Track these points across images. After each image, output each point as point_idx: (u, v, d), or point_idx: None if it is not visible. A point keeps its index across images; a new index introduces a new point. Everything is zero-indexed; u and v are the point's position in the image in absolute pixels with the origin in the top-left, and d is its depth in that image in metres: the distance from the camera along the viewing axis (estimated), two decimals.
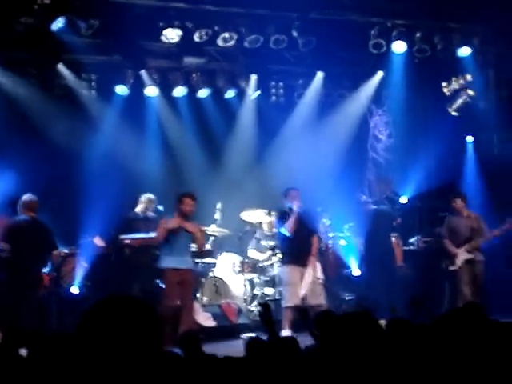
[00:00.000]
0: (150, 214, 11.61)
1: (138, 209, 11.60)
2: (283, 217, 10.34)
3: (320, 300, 10.15)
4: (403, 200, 12.34)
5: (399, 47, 12.28)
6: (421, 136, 13.96)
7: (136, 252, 11.19)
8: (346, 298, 11.75)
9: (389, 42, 12.15)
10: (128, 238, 11.22)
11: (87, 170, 11.65)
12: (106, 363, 2.03)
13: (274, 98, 13.42)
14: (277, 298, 11.25)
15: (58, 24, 10.53)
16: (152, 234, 11.15)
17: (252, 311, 11.47)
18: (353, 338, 3.07)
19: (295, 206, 10.18)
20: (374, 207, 11.48)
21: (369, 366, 2.95)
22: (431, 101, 13.83)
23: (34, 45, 11.20)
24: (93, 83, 12.23)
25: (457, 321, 3.15)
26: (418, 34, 12.27)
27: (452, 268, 10.92)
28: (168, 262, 9.66)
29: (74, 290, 10.60)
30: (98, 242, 11.01)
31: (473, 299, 10.13)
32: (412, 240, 12.56)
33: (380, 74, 13.49)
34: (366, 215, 11.42)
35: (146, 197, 11.66)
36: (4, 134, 11.07)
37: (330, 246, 12.45)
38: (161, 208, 11.43)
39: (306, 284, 10.11)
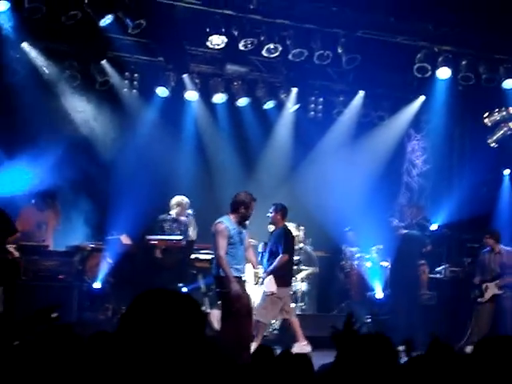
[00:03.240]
0: (182, 217, 11.51)
1: (173, 211, 11.52)
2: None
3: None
4: (433, 227, 12.21)
5: (444, 73, 12.17)
6: (457, 165, 13.87)
7: (162, 253, 11.18)
8: (366, 321, 11.62)
9: (434, 67, 12.04)
10: (155, 238, 11.22)
11: (121, 168, 11.72)
12: (150, 356, 1.98)
13: (312, 113, 13.36)
14: (298, 313, 11.18)
15: (106, 21, 10.60)
16: (177, 237, 11.17)
17: (271, 324, 11.40)
18: (370, 359, 3.02)
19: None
20: (405, 231, 11.38)
21: None
22: (471, 130, 13.72)
23: (81, 39, 11.30)
24: (135, 82, 12.28)
25: (487, 353, 3.09)
26: (463, 62, 12.15)
27: (480, 300, 10.83)
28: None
29: (97, 285, 10.62)
30: (125, 239, 11.03)
31: (490, 333, 10.14)
32: (439, 268, 12.41)
33: (422, 99, 13.40)
34: (396, 239, 11.34)
35: (179, 199, 11.56)
36: (43, 125, 11.13)
37: (355, 266, 12.35)
38: (190, 212, 11.41)
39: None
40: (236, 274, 8.84)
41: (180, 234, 11.29)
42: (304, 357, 4.58)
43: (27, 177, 10.97)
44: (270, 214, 10.15)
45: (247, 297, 9.07)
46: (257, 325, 9.86)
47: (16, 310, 9.01)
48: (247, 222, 9.12)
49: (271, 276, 9.94)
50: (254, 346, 9.14)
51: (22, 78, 11.06)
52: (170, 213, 11.49)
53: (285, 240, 10.19)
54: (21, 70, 11.14)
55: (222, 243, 8.72)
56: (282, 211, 10.16)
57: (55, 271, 10.18)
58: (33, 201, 10.83)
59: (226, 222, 8.81)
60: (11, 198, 10.54)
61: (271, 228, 10.64)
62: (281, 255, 10.03)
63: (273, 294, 9.91)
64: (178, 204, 11.49)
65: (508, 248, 11.02)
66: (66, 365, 3.99)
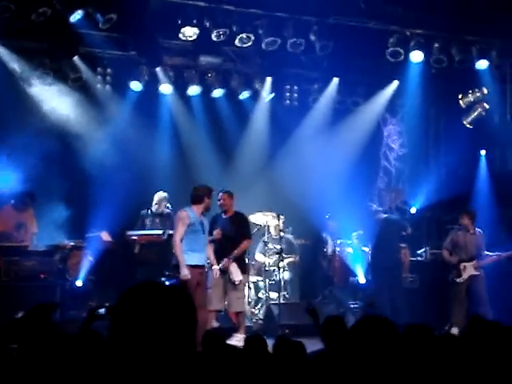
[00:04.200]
0: (166, 210, 11.57)
1: (154, 207, 11.55)
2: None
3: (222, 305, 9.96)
4: (412, 210, 12.27)
5: (417, 57, 12.21)
6: (434, 147, 13.96)
7: (142, 248, 11.15)
8: (351, 306, 11.68)
9: (406, 51, 12.08)
10: (135, 234, 11.19)
11: (98, 164, 11.62)
12: (144, 351, 1.96)
13: (288, 101, 13.37)
14: (281, 301, 11.21)
15: (76, 16, 10.50)
16: (158, 231, 11.14)
17: (256, 314, 11.43)
18: (366, 344, 3.01)
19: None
20: (385, 216, 11.42)
21: (382, 372, 2.90)
22: (446, 112, 13.81)
23: (51, 36, 11.18)
24: (107, 77, 12.19)
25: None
26: (436, 45, 12.20)
27: (459, 280, 10.87)
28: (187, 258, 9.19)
29: (78, 283, 10.57)
30: (105, 236, 10.99)
31: (465, 314, 10.27)
32: (420, 251, 12.49)
33: (396, 83, 13.43)
34: (375, 224, 11.37)
35: (159, 195, 11.60)
36: (14, 125, 11.03)
37: (336, 253, 12.40)
38: (169, 205, 11.40)
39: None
40: (197, 263, 9.16)
41: (162, 229, 11.27)
42: (298, 344, 4.60)
43: (3, 177, 10.88)
44: (222, 201, 9.99)
45: (202, 286, 9.22)
46: (238, 316, 9.90)
47: None
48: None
49: (235, 263, 9.90)
50: (239, 337, 9.18)
51: None
52: (152, 208, 11.51)
53: (248, 225, 10.35)
54: None
55: (181, 230, 9.12)
56: (233, 196, 10.12)
57: (36, 271, 10.12)
58: (12, 201, 10.75)
59: (189, 211, 9.21)
60: None
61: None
62: (246, 240, 10.09)
63: (240, 281, 9.91)
64: (157, 199, 11.52)
65: (478, 229, 11.03)
66: (56, 364, 3.97)
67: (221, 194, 10.04)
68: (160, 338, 1.95)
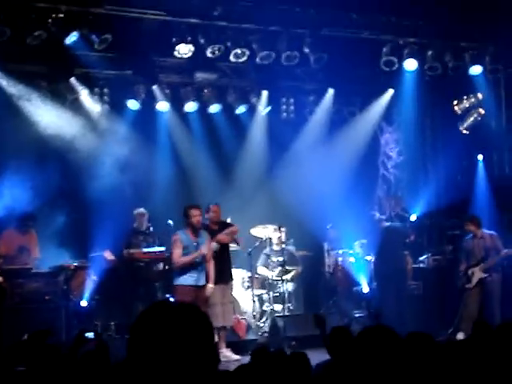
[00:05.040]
0: (150, 228, 11.60)
1: (135, 224, 11.58)
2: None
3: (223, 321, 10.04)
4: (413, 218, 12.32)
5: (411, 65, 12.30)
6: (431, 154, 14.00)
7: (146, 266, 11.18)
8: (356, 316, 11.70)
9: (400, 60, 12.17)
10: (137, 252, 11.21)
11: (98, 184, 11.66)
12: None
13: (284, 114, 13.40)
14: (286, 314, 11.24)
15: (72, 38, 10.59)
16: (160, 248, 11.18)
17: (261, 327, 11.44)
18: (371, 354, 3.05)
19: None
20: (387, 224, 11.48)
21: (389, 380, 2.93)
22: (442, 119, 13.86)
23: (47, 58, 11.25)
24: (105, 97, 12.23)
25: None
26: (429, 52, 12.29)
27: (467, 286, 10.95)
28: (183, 279, 9.55)
29: (83, 303, 10.59)
30: (108, 255, 11.01)
31: (479, 317, 10.25)
32: (422, 258, 12.52)
33: (391, 92, 13.51)
34: (379, 232, 11.43)
35: (138, 211, 11.63)
36: (14, 146, 11.08)
37: (339, 263, 12.42)
38: (170, 222, 11.41)
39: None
40: (190, 283, 9.46)
41: (151, 245, 11.32)
42: (302, 356, 4.63)
43: (3, 200, 10.92)
44: (211, 214, 10.21)
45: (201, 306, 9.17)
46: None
47: (4, 335, 8.94)
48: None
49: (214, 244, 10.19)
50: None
51: None
52: (134, 225, 11.54)
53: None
54: None
55: (177, 251, 9.58)
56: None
57: (41, 293, 10.14)
58: (14, 224, 10.81)
59: (181, 234, 9.68)
60: None
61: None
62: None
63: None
64: (137, 215, 11.54)
65: (489, 232, 11.15)
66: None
67: (212, 206, 10.12)
68: (181, 356, 1.97)
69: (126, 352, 2.02)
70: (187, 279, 9.49)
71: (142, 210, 11.62)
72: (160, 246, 11.28)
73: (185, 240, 9.58)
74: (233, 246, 11.21)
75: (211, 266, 9.85)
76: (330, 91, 13.29)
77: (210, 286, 9.79)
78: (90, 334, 5.30)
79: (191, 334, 1.99)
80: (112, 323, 10.76)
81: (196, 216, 9.63)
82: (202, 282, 9.62)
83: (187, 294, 9.34)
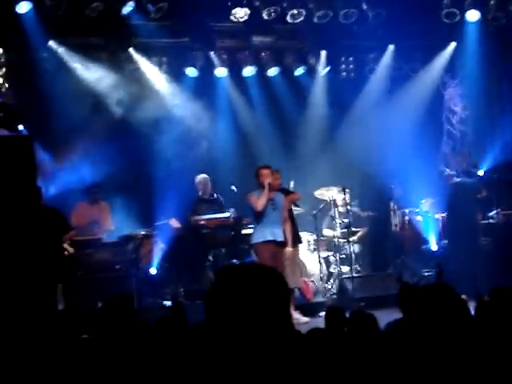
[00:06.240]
0: (215, 194, 11.65)
1: (200, 191, 11.63)
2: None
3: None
4: (480, 173, 12.06)
5: (473, 16, 11.93)
6: (496, 107, 13.61)
7: (211, 232, 11.26)
8: (426, 274, 11.55)
9: (462, 11, 11.81)
10: (203, 218, 11.29)
11: (161, 153, 11.76)
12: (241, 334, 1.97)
13: (344, 73, 13.21)
14: (354, 275, 11.19)
15: (128, 8, 10.62)
16: (225, 214, 11.24)
17: (329, 289, 11.43)
18: (436, 311, 2.99)
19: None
20: (458, 180, 11.26)
21: (453, 339, 2.87)
22: (507, 71, 13.40)
23: (105, 30, 11.31)
24: (163, 66, 12.26)
25: None
26: (492, 2, 11.89)
27: None
28: (259, 235, 9.62)
29: (153, 271, 10.75)
30: (174, 223, 11.12)
31: None
32: (491, 214, 12.24)
33: (453, 45, 13.12)
34: (449, 188, 11.21)
35: (200, 178, 11.68)
36: (80, 122, 11.22)
37: (406, 221, 12.28)
38: (234, 188, 11.42)
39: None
40: (270, 238, 9.49)
41: (216, 212, 11.37)
42: (370, 317, 4.60)
43: (77, 174, 11.14)
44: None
45: (278, 262, 9.27)
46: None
47: (76, 306, 9.15)
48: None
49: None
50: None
51: (53, 76, 11.11)
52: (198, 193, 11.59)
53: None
54: (50, 68, 11.20)
55: (252, 199, 9.63)
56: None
57: (111, 262, 10.35)
58: (84, 197, 11.06)
59: (255, 194, 9.68)
60: (64, 195, 10.74)
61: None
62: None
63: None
64: (199, 183, 11.58)
65: None
66: (138, 352, 4.06)
67: (273, 172, 10.04)
68: (259, 318, 1.95)
69: (205, 315, 2.01)
70: (266, 235, 9.53)
71: (203, 175, 11.67)
72: (225, 211, 11.33)
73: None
74: (296, 210, 11.19)
75: (288, 227, 9.88)
76: (390, 48, 13.00)
77: (288, 249, 9.86)
78: (168, 303, 5.38)
79: (269, 296, 1.96)
80: (181, 290, 10.89)
81: (266, 174, 9.65)
82: (280, 238, 9.64)
83: (267, 250, 9.44)
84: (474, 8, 11.84)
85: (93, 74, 11.60)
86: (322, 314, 9.86)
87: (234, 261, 10.67)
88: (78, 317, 6.48)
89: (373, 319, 4.77)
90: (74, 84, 11.43)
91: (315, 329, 4.20)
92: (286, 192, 10.48)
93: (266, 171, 9.67)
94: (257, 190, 9.72)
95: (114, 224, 11.25)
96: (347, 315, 5.16)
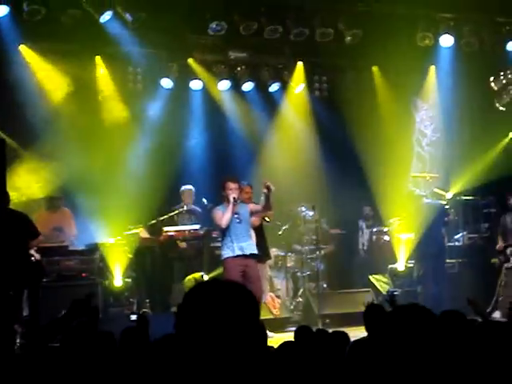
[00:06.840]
0: (193, 206, 11.66)
1: (183, 202, 11.64)
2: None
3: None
4: (448, 196, 12.21)
5: (447, 41, 12.10)
6: (467, 131, 13.77)
7: (181, 244, 11.25)
8: (393, 293, 11.60)
9: (436, 36, 11.98)
10: (172, 229, 11.27)
11: (131, 164, 11.73)
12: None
13: (317, 92, 13.25)
14: (319, 292, 11.24)
15: (106, 17, 10.61)
16: (195, 226, 11.23)
17: (295, 305, 11.47)
18: (405, 331, 3.03)
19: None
20: (428, 201, 11.39)
21: (422, 358, 2.91)
22: (478, 95, 13.58)
23: (79, 37, 11.22)
24: (138, 76, 12.23)
25: None
26: (465, 28, 12.08)
27: (507, 265, 10.80)
28: (227, 250, 9.31)
29: (119, 280, 10.69)
30: (143, 233, 11.09)
31: None
32: (457, 236, 12.40)
33: (427, 68, 13.26)
34: (419, 209, 11.30)
35: (186, 188, 11.70)
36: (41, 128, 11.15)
37: (374, 240, 12.38)
38: (204, 201, 11.41)
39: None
40: (238, 253, 9.20)
41: (194, 224, 11.36)
42: (342, 334, 4.64)
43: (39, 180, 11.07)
44: (243, 195, 9.80)
45: (249, 275, 9.17)
46: None
47: (41, 312, 9.05)
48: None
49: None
50: None
51: (18, 80, 11.02)
52: (182, 204, 11.60)
53: None
54: (18, 72, 11.09)
55: (217, 214, 9.28)
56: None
57: (77, 270, 10.28)
58: (45, 204, 11.00)
59: (220, 208, 9.33)
60: (26, 202, 10.67)
61: None
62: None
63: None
64: (183, 194, 11.60)
65: None
66: (101, 361, 4.04)
67: (244, 186, 9.99)
68: (229, 333, 1.97)
69: (175, 329, 2.03)
70: (234, 250, 9.20)
71: (188, 187, 11.67)
72: (196, 223, 11.33)
73: (223, 211, 9.27)
74: (266, 224, 11.21)
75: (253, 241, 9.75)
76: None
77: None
78: (134, 316, 5.33)
79: (239, 312, 1.99)
80: (147, 300, 10.85)
81: (233, 189, 9.26)
82: (249, 251, 9.30)
83: (236, 265, 9.17)
84: (448, 33, 12.01)
85: (61, 81, 11.52)
86: (289, 329, 9.94)
87: (202, 273, 10.65)
88: (40, 324, 6.41)
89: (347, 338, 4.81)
90: (36, 89, 11.34)
91: (286, 342, 4.23)
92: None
93: (232, 185, 9.23)
94: (221, 205, 9.35)
95: (77, 229, 11.18)
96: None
